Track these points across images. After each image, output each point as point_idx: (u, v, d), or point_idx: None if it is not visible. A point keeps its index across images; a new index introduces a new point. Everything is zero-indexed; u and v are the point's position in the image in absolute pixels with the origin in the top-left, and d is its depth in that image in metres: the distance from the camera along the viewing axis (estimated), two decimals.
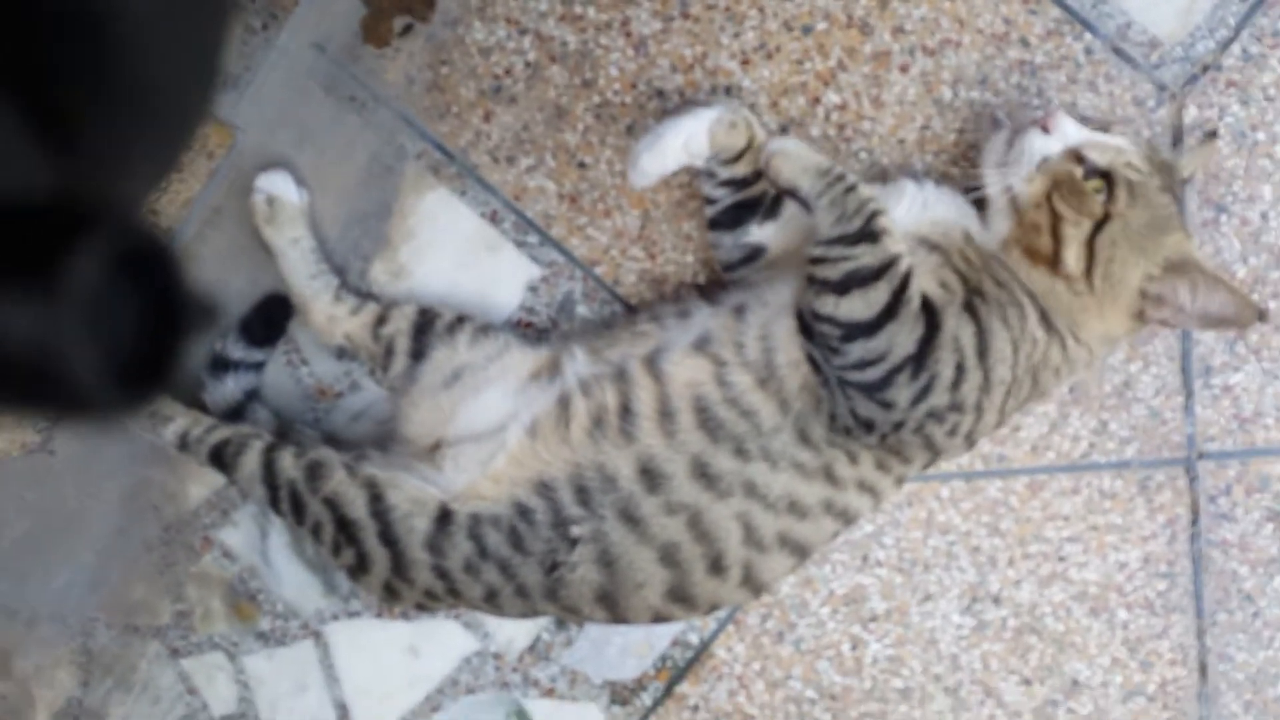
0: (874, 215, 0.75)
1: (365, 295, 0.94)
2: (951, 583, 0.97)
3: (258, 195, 0.91)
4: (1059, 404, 0.94)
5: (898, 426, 0.76)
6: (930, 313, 0.75)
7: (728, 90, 0.90)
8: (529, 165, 0.93)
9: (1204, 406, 0.93)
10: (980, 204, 0.82)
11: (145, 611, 1.01)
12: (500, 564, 0.80)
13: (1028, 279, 0.78)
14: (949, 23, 0.88)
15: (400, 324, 0.89)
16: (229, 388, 0.93)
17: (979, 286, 0.77)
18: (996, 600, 0.98)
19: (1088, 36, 0.88)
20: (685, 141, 0.82)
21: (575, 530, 0.79)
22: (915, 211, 0.81)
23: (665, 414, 0.78)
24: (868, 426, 0.76)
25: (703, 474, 0.78)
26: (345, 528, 0.82)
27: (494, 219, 0.94)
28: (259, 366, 0.96)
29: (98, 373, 0.28)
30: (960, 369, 0.75)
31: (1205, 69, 0.88)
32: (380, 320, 0.90)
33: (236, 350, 0.94)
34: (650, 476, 0.78)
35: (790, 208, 0.83)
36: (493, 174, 0.93)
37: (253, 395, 0.95)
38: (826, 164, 0.77)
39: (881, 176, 0.89)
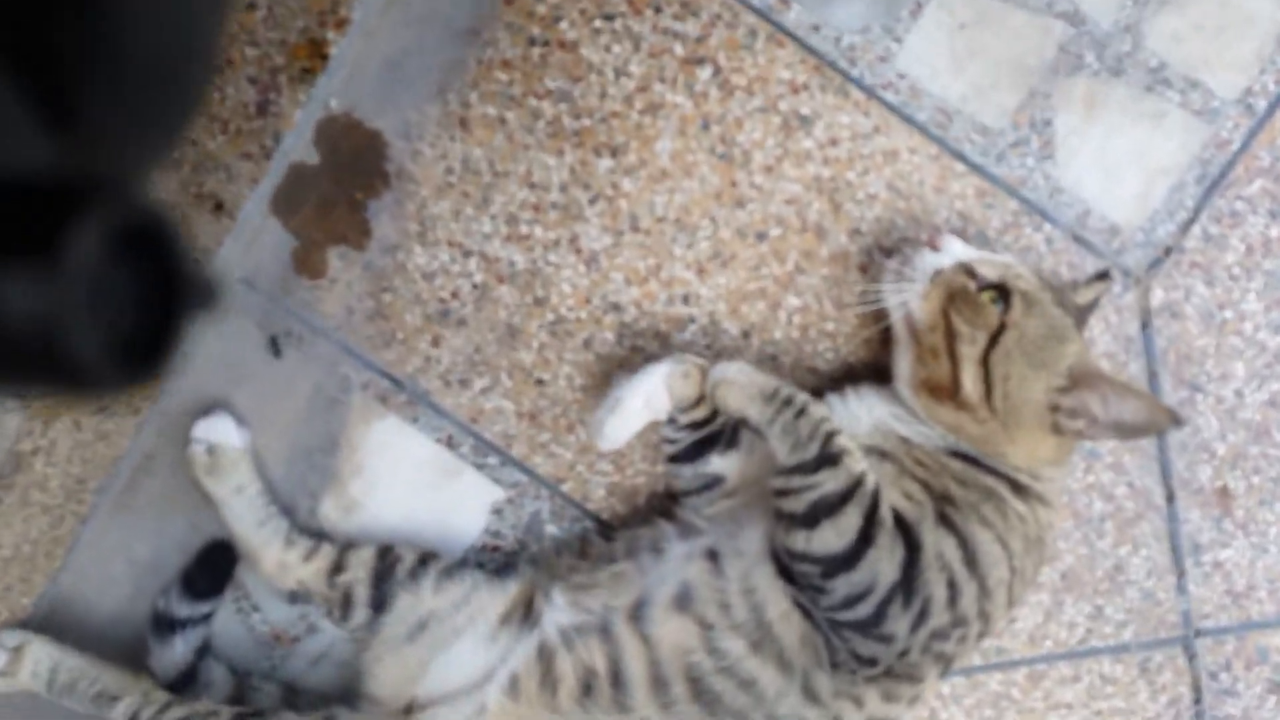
0: (829, 436, 0.71)
1: (318, 535, 0.87)
2: None
3: (196, 445, 0.85)
4: (1052, 592, 0.91)
5: (903, 654, 0.72)
6: (906, 530, 0.70)
7: (685, 299, 0.87)
8: (484, 386, 0.88)
9: (1196, 584, 0.91)
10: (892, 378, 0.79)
11: None
12: None
13: (936, 418, 0.75)
14: (904, 221, 0.86)
15: (358, 571, 0.84)
16: (178, 650, 0.87)
17: (945, 492, 0.73)
18: None
19: (1047, 227, 0.86)
20: (646, 400, 0.79)
21: None
22: (865, 420, 0.78)
23: (658, 682, 0.73)
24: (872, 663, 0.72)
25: None
26: None
27: (450, 443, 0.89)
28: (207, 619, 0.89)
29: (99, 350, 0.27)
30: (952, 585, 0.71)
31: (1168, 252, 0.87)
32: (336, 568, 0.84)
33: (181, 608, 0.87)
34: None
35: (750, 434, 0.79)
36: (445, 398, 0.88)
37: (204, 653, 0.89)
38: (772, 386, 0.74)
39: (849, 376, 0.86)
